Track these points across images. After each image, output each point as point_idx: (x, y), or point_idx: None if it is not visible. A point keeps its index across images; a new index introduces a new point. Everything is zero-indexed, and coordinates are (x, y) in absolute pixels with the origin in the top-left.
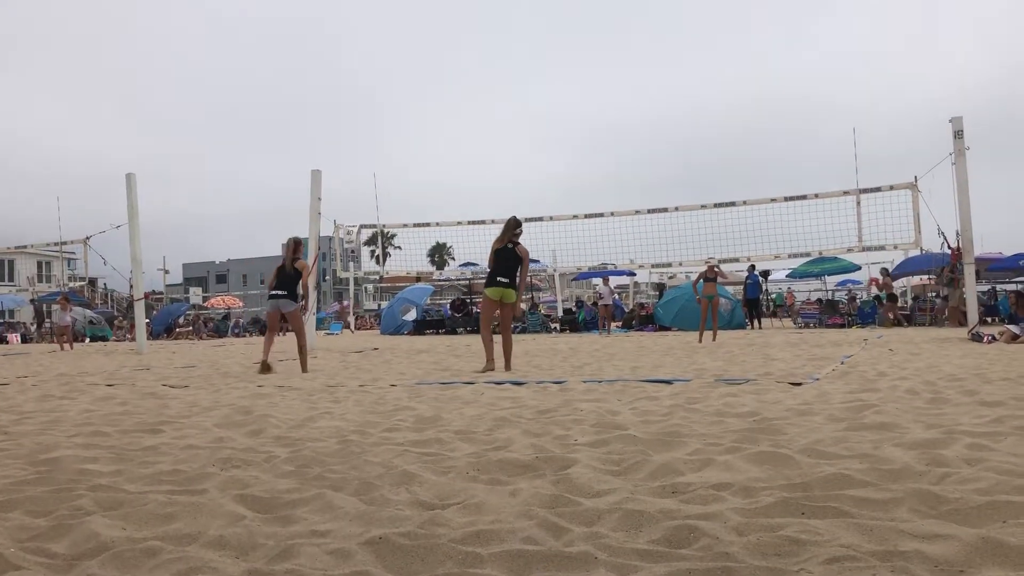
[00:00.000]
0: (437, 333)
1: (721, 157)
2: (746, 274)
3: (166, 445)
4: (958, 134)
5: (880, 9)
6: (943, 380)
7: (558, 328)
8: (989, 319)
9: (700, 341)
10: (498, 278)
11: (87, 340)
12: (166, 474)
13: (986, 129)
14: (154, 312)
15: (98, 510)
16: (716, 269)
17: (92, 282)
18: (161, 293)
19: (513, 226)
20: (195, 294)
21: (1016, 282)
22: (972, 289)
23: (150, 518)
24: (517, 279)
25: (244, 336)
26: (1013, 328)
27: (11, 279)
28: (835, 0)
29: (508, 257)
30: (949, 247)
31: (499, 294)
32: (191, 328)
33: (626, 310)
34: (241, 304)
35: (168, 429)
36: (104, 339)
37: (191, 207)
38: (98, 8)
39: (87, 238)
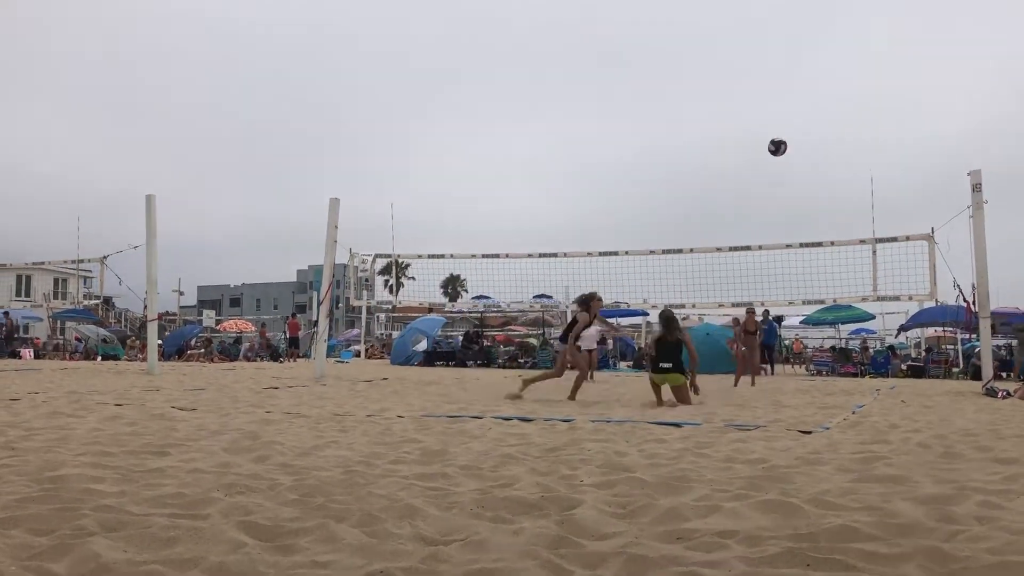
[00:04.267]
0: (447, 365)
1: (720, 201)
2: (760, 319)
3: (172, 468)
4: (976, 187)
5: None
6: (956, 434)
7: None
8: (1004, 374)
9: (736, 385)
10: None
11: (99, 358)
12: (170, 497)
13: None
14: (166, 333)
15: (100, 531)
16: (757, 319)
17: (107, 301)
18: (175, 314)
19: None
20: (208, 317)
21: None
22: (987, 343)
23: (152, 541)
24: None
25: (255, 361)
26: None
27: (27, 295)
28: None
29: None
30: (964, 300)
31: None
32: (202, 351)
33: (636, 349)
34: (253, 328)
35: (175, 452)
36: (116, 358)
37: (208, 231)
38: (121, 31)
39: (104, 257)
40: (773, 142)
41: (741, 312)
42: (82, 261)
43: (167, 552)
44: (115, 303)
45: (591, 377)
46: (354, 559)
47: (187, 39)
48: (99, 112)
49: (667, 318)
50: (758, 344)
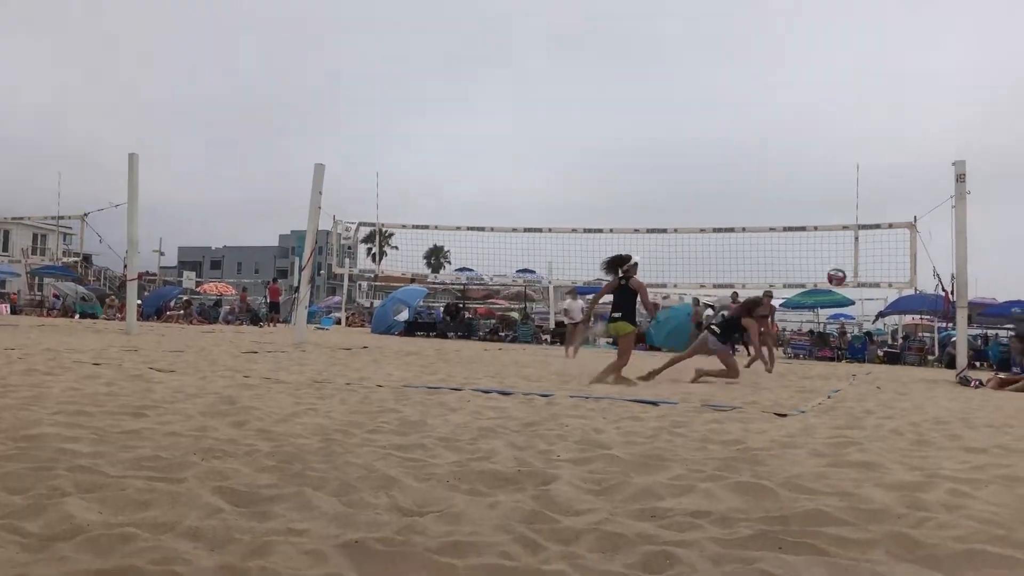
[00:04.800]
0: (428, 336)
1: (706, 185)
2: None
3: (148, 430)
4: (960, 177)
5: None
6: (928, 422)
7: (549, 340)
8: (978, 364)
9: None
10: (612, 313)
11: (77, 316)
12: (147, 459)
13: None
14: (146, 293)
15: (76, 491)
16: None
17: (87, 258)
18: (155, 275)
19: (618, 263)
20: (188, 278)
21: (1008, 328)
22: (963, 332)
23: (127, 503)
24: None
25: (234, 324)
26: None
27: (5, 250)
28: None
29: (621, 293)
30: (943, 290)
31: (614, 329)
32: (182, 312)
33: None
34: (234, 292)
35: (152, 414)
36: (94, 316)
37: (191, 192)
38: None
39: (85, 214)
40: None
41: (724, 295)
42: (62, 218)
43: (142, 515)
44: (94, 261)
45: (573, 354)
46: (330, 528)
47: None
48: (81, 66)
49: (610, 262)
50: (771, 330)
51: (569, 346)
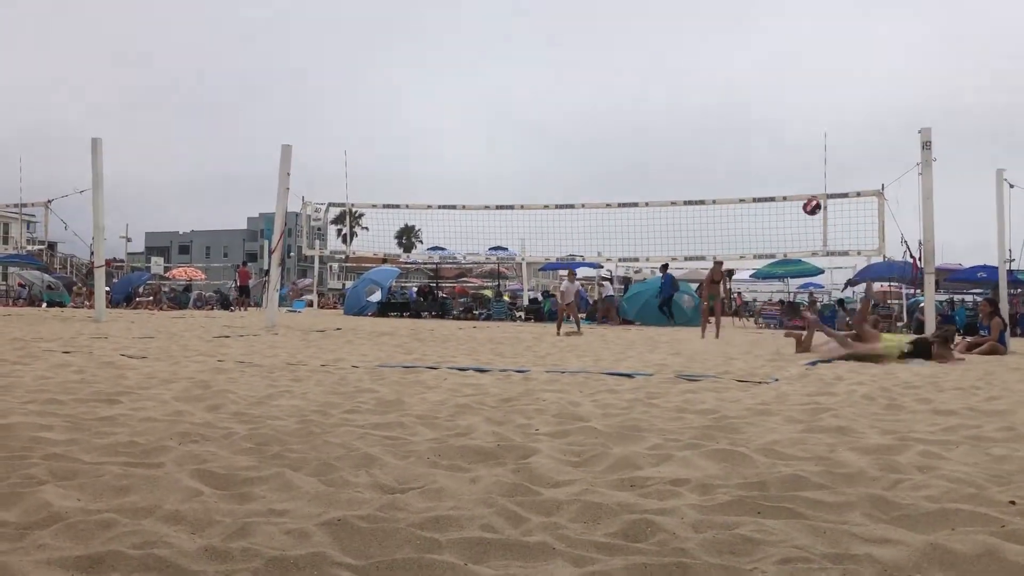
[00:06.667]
0: (401, 316)
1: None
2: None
3: (123, 416)
4: (926, 144)
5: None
6: (899, 387)
7: (523, 317)
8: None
9: (703, 336)
10: None
11: (44, 305)
12: (122, 446)
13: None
14: (114, 280)
15: (52, 479)
16: (722, 270)
17: (52, 246)
18: (122, 261)
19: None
20: (157, 264)
21: (974, 293)
22: (931, 298)
23: (105, 490)
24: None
25: (204, 309)
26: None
27: None
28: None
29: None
30: (911, 256)
31: None
32: (151, 298)
33: (591, 302)
34: (203, 276)
35: (125, 400)
36: (62, 305)
37: (156, 175)
38: None
39: (48, 201)
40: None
41: (696, 267)
42: (25, 205)
43: (121, 500)
44: (60, 248)
45: (560, 331)
46: (311, 507)
47: None
48: (43, 46)
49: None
50: (722, 296)
51: (560, 325)
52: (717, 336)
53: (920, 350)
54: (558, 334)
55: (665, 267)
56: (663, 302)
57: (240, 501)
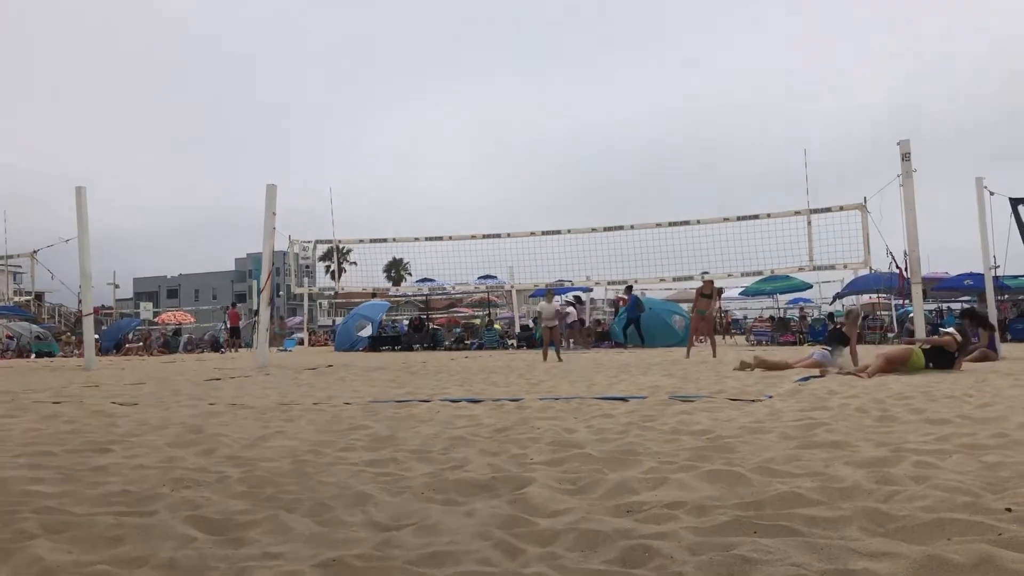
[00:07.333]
0: (393, 350)
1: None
2: (628, 296)
3: (115, 465)
4: (906, 156)
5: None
6: (891, 398)
7: (514, 344)
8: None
9: (688, 356)
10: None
11: (33, 356)
12: (115, 495)
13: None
14: (103, 327)
15: (43, 533)
16: (712, 285)
17: (39, 296)
18: (111, 308)
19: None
20: (146, 309)
21: (961, 301)
22: (919, 308)
23: (98, 541)
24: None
25: (195, 352)
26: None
27: None
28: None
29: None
30: (897, 267)
31: None
32: (141, 344)
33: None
34: (192, 320)
35: (117, 448)
36: (51, 355)
37: (142, 221)
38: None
39: (34, 251)
40: None
41: (684, 287)
42: (11, 256)
43: (114, 551)
44: (47, 298)
45: (545, 357)
46: (306, 548)
47: (117, 19)
48: (26, 95)
49: None
50: (713, 312)
51: (545, 351)
52: (714, 355)
53: (940, 360)
54: (544, 359)
55: (629, 288)
56: (628, 323)
57: (235, 546)
